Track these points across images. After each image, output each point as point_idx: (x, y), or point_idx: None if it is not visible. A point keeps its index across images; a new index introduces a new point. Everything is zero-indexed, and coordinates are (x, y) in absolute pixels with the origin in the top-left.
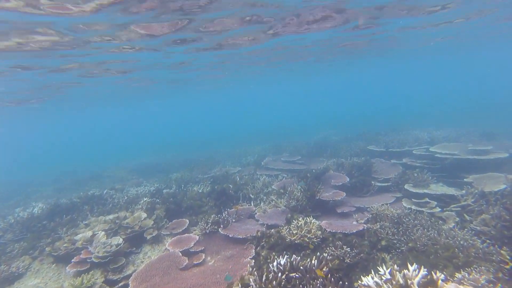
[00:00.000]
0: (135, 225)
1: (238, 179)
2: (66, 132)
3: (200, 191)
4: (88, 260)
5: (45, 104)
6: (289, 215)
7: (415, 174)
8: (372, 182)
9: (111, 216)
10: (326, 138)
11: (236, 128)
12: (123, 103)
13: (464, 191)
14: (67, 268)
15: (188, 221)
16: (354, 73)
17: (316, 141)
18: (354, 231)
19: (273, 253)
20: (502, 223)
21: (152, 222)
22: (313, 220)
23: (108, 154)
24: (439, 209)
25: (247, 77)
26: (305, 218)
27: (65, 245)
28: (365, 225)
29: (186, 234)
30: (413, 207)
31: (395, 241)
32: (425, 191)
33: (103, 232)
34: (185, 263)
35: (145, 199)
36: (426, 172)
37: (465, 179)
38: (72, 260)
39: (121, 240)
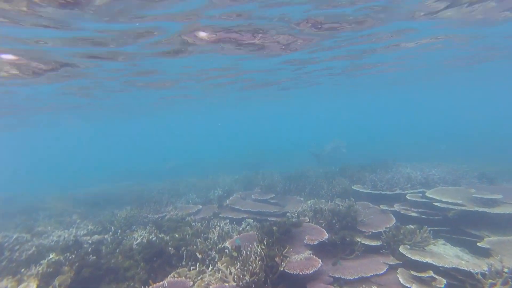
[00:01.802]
0: None
1: (188, 228)
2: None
3: (137, 241)
4: None
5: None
6: None
7: (411, 232)
8: (358, 240)
9: None
10: (305, 172)
11: (212, 152)
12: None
13: (486, 268)
14: None
15: None
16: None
17: (294, 176)
18: None
19: None
20: None
21: None
22: None
23: (61, 177)
24: None
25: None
26: None
27: None
28: None
29: None
30: (414, 286)
31: None
32: (428, 260)
33: None
34: None
35: (52, 256)
36: (426, 229)
37: (478, 244)
38: None
39: None
